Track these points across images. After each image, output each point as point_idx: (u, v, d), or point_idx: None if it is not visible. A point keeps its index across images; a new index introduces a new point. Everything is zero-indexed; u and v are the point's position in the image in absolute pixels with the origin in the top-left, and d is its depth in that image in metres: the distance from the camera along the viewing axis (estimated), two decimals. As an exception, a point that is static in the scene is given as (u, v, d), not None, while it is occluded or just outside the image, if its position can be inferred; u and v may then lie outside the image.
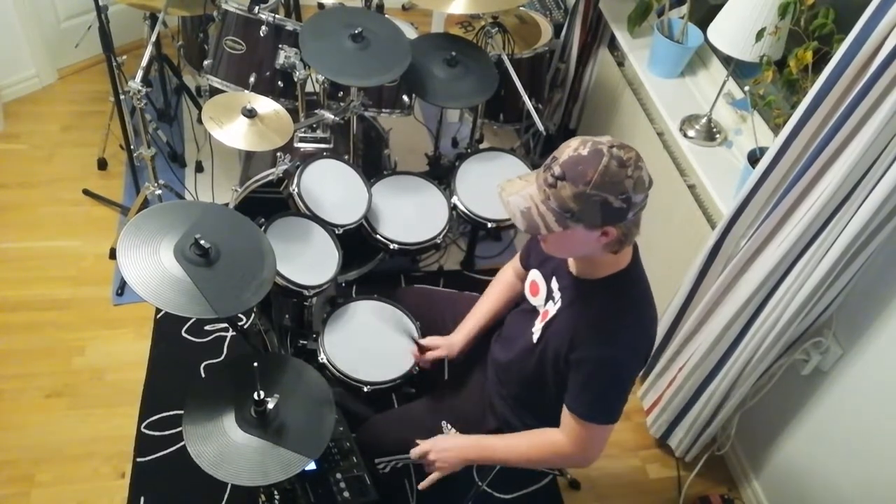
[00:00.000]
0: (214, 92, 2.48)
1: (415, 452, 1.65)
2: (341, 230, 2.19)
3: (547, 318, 1.57)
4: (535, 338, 1.59)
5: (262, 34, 2.41)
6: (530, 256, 1.72)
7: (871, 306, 1.85)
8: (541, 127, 2.61)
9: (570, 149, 1.30)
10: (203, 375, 2.44)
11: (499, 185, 1.39)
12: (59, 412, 2.31)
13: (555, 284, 1.58)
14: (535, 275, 1.66)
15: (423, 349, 1.86)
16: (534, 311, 1.64)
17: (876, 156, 1.59)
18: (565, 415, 1.53)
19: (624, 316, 1.45)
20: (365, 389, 1.92)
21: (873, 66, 1.53)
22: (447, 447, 1.63)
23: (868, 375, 1.89)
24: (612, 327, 1.44)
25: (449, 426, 1.78)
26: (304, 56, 2.24)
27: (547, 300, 1.60)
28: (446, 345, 1.84)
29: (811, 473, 2.11)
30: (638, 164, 1.29)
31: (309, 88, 2.48)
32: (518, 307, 1.78)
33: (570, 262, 1.54)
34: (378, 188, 2.38)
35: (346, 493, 1.61)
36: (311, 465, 1.58)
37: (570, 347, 1.47)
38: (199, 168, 3.08)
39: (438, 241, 2.36)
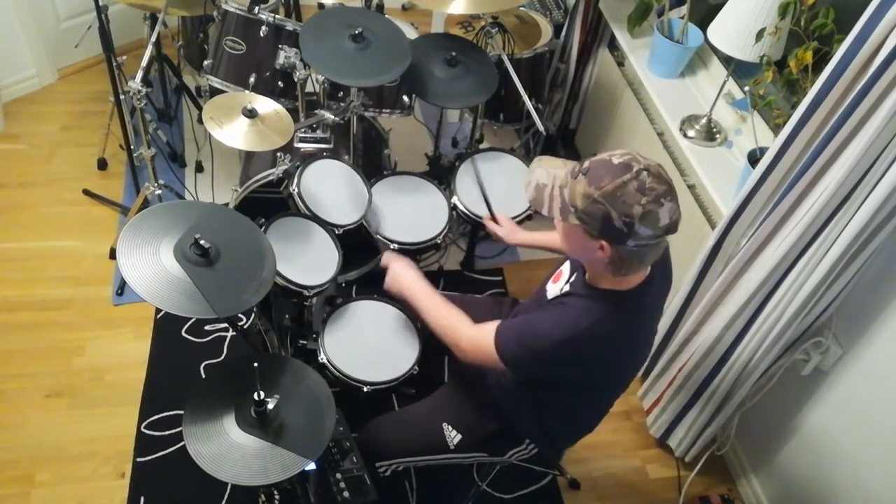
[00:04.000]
0: (214, 92, 2.48)
1: (383, 260, 1.85)
2: (341, 230, 2.19)
3: None
4: None
5: (262, 34, 2.41)
6: None
7: (871, 306, 1.85)
8: (541, 127, 2.61)
9: (609, 153, 1.31)
10: (203, 375, 2.44)
11: (539, 157, 1.44)
12: (59, 412, 2.31)
13: (573, 279, 1.57)
14: (565, 265, 1.65)
15: (493, 218, 2.10)
16: (543, 299, 1.64)
17: (876, 156, 1.59)
18: (490, 324, 1.54)
19: (599, 323, 1.42)
20: (365, 389, 1.92)
21: (873, 66, 1.53)
22: (398, 281, 1.80)
23: (868, 375, 1.89)
24: (582, 320, 1.43)
25: (451, 428, 1.78)
26: (304, 56, 2.24)
27: (560, 291, 1.60)
28: (511, 230, 2.08)
29: (811, 473, 2.11)
30: (660, 199, 1.26)
31: (309, 88, 2.47)
32: (525, 303, 1.78)
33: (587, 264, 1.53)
34: (378, 188, 2.38)
35: (346, 493, 1.61)
36: (311, 465, 1.58)
37: None
38: (199, 168, 3.08)
39: (438, 241, 2.36)
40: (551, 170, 1.38)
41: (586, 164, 1.31)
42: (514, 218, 2.43)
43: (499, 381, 1.76)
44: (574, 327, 1.42)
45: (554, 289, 1.63)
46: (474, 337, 1.57)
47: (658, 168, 1.29)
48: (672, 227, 1.31)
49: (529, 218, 2.43)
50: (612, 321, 1.43)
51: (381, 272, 1.90)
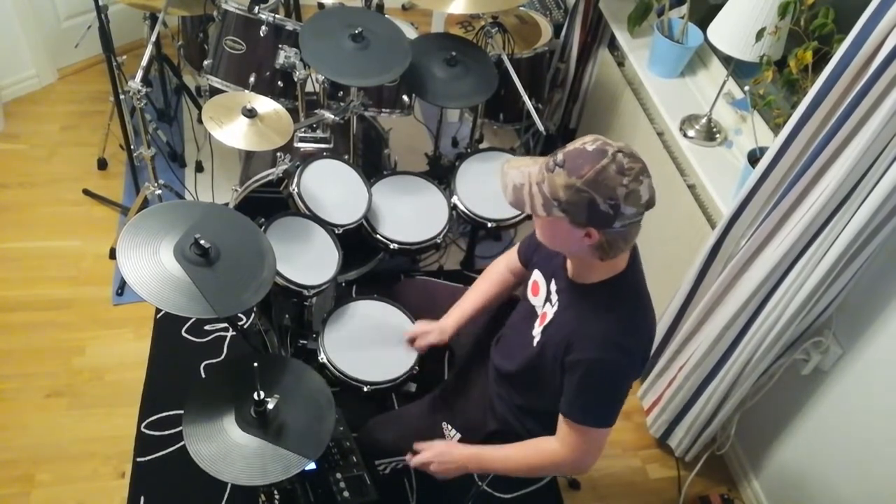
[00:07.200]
0: (214, 92, 2.48)
1: (415, 461, 1.65)
2: (341, 230, 2.19)
3: (545, 322, 1.57)
4: (535, 341, 1.59)
5: (262, 34, 2.41)
6: (533, 255, 1.72)
7: (871, 306, 1.85)
8: (541, 127, 2.61)
9: (580, 142, 1.32)
10: (203, 375, 2.44)
11: (506, 159, 1.42)
12: (59, 412, 2.31)
13: (553, 286, 1.58)
14: (536, 275, 1.66)
15: (413, 339, 1.87)
16: (533, 313, 1.64)
17: (876, 156, 1.59)
18: (560, 420, 1.52)
19: (617, 319, 1.45)
20: (365, 389, 1.92)
21: (873, 66, 1.53)
22: (447, 460, 1.64)
23: (868, 375, 1.89)
24: (604, 330, 1.44)
25: (450, 427, 1.78)
26: (304, 56, 2.24)
27: (545, 302, 1.60)
28: (437, 328, 1.84)
29: (811, 473, 2.11)
30: (639, 177, 1.29)
31: (309, 88, 2.48)
32: (519, 308, 1.78)
33: (568, 264, 1.54)
34: (378, 188, 2.38)
35: (346, 493, 1.61)
36: (311, 465, 1.58)
37: (566, 351, 1.47)
38: (199, 168, 3.08)
39: (438, 241, 2.36)
40: (524, 168, 1.37)
41: (560, 156, 1.31)
42: (512, 219, 2.44)
43: (499, 383, 1.76)
44: (623, 352, 1.43)
45: (537, 301, 1.64)
46: (570, 445, 1.51)
47: (630, 148, 1.31)
48: (651, 202, 1.33)
49: (530, 217, 2.43)
50: (638, 313, 1.47)
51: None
